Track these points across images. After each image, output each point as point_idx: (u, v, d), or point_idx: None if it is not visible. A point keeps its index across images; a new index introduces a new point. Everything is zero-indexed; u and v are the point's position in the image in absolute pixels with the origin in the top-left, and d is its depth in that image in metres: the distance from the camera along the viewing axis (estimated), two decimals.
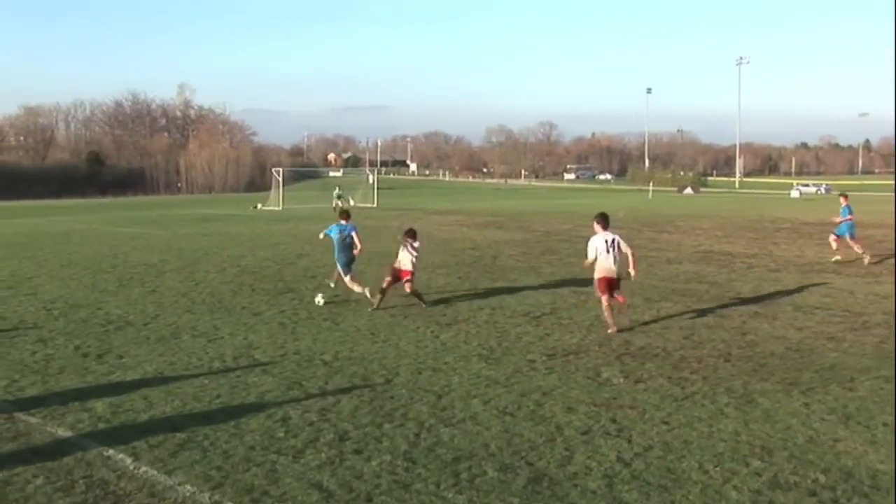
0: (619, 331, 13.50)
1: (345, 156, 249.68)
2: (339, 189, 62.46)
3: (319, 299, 16.30)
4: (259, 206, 64.01)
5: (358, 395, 9.94)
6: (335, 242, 17.22)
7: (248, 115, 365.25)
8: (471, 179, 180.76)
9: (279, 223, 42.49)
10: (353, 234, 17.33)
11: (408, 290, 16.06)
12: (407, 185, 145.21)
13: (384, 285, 16.00)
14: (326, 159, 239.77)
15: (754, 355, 12.10)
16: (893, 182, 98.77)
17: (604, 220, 13.94)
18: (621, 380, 10.68)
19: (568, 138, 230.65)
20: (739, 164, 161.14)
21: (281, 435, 8.53)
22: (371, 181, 76.24)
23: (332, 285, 17.59)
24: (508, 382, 10.55)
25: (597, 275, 13.83)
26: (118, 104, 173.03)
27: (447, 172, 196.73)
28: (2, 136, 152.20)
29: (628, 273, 13.98)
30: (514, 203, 69.23)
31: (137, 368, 11.29)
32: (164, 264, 23.44)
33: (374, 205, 63.41)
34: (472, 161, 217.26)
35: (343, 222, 17.53)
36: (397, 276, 16.03)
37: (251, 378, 10.76)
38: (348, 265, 17.18)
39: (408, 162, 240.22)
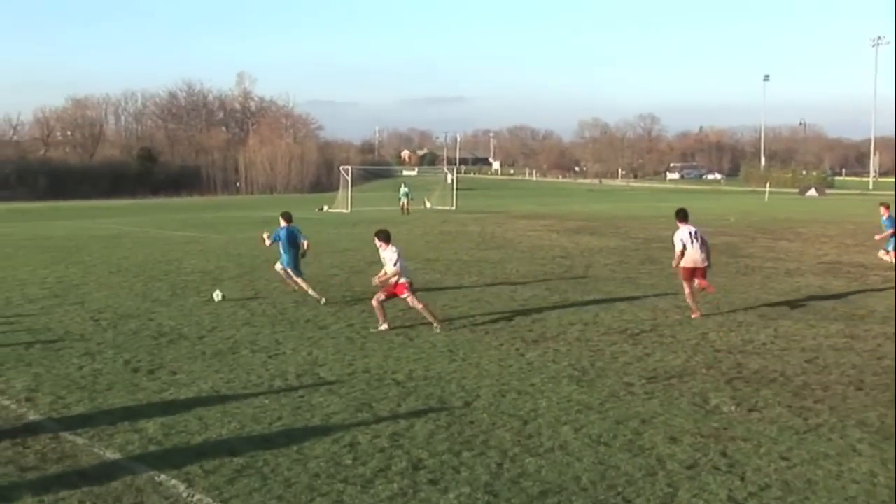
0: (703, 315, 16.12)
1: (420, 153, 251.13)
2: (406, 187, 60.95)
3: (217, 295, 18.52)
4: (325, 208, 64.82)
5: (434, 420, 9.95)
6: (283, 245, 18.82)
7: (314, 108, 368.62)
8: (561, 179, 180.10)
9: (347, 227, 42.94)
10: (300, 235, 19.25)
11: (411, 304, 15.35)
12: (489, 185, 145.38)
13: (382, 298, 15.42)
14: (400, 156, 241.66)
15: (892, 384, 11.73)
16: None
17: (684, 215, 16.65)
18: (733, 408, 10.47)
19: (672, 133, 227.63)
20: (874, 161, 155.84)
21: (348, 462, 8.58)
22: (449, 181, 76.50)
23: (322, 301, 18.23)
24: (603, 408, 10.44)
25: (683, 264, 16.50)
26: (172, 95, 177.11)
27: (534, 171, 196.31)
28: (48, 130, 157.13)
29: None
30: (610, 206, 68.67)
31: (192, 386, 11.51)
32: (220, 272, 23.89)
33: (453, 207, 63.63)
34: (562, 159, 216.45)
35: (286, 224, 19.19)
36: (392, 291, 15.42)
37: (316, 398, 10.87)
38: (297, 266, 18.97)
39: (490, 159, 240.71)
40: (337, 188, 79.10)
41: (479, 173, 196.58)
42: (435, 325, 15.19)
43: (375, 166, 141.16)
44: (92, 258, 27.80)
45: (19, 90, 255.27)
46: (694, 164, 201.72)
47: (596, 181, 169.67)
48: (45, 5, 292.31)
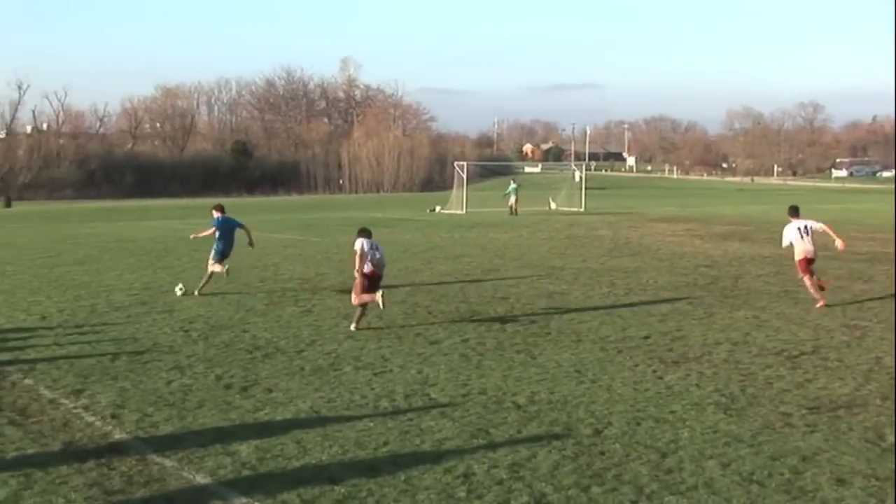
0: (828, 306, 18.85)
1: (545, 147, 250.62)
2: (515, 183, 59.69)
3: (178, 289, 20.87)
4: (437, 208, 65.21)
5: (559, 449, 9.90)
6: (219, 235, 22.18)
7: (425, 96, 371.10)
8: (705, 177, 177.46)
9: (462, 230, 43.13)
10: (239, 226, 22.95)
11: (379, 300, 16.70)
12: (623, 183, 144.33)
13: (362, 300, 16.86)
14: (521, 151, 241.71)
15: None
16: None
17: (795, 211, 20.23)
18: None
19: (838, 124, 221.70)
20: None
21: (462, 494, 8.60)
22: (578, 179, 76.16)
23: (194, 292, 21.25)
24: (755, 441, 10.22)
25: (797, 257, 19.65)
26: (269, 83, 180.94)
27: (675, 168, 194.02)
28: (136, 122, 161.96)
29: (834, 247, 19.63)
30: (764, 208, 67.27)
31: (289, 405, 11.72)
32: (322, 279, 24.28)
33: (581, 208, 63.33)
34: (707, 154, 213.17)
35: (218, 216, 22.77)
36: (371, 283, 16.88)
37: (426, 422, 10.94)
38: (225, 254, 22.06)
39: (624, 154, 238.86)
40: (450, 187, 79.56)
41: (612, 170, 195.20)
42: (352, 325, 16.88)
43: (494, 162, 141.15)
44: (181, 262, 28.59)
45: (106, 79, 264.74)
46: (866, 159, 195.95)
47: (747, 179, 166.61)
48: None
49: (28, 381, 12.96)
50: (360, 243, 16.94)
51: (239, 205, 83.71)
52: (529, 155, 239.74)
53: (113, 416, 11.21)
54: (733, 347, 15.26)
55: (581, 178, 74.43)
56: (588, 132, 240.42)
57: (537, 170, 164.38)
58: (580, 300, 20.43)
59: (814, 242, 19.76)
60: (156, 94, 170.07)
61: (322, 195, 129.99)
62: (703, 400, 11.96)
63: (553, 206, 66.05)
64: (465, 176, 66.76)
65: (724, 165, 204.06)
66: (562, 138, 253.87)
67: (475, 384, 12.75)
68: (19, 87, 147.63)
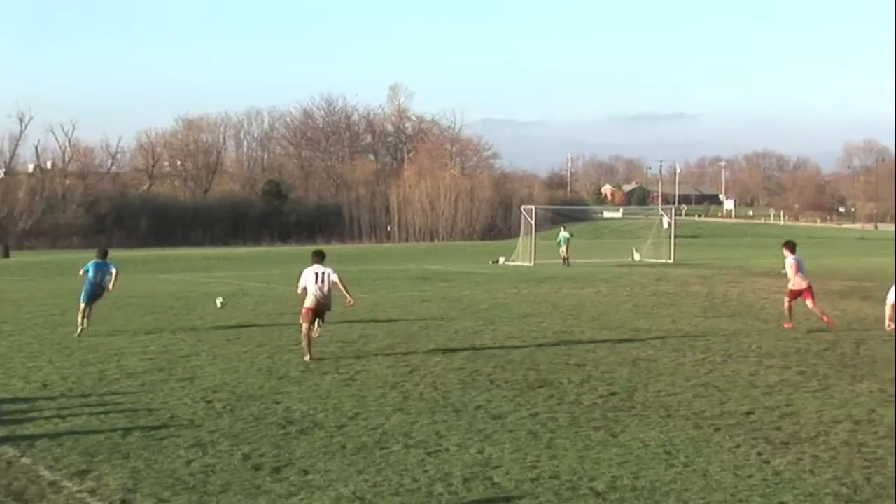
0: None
1: (627, 188, 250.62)
2: (567, 231, 61.80)
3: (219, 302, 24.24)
4: (501, 260, 65.21)
5: None
6: (90, 280, 26.03)
7: (488, 129, 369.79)
8: (819, 224, 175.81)
9: (531, 285, 43.07)
10: (112, 271, 26.63)
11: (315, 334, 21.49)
12: (720, 230, 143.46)
13: (305, 331, 21.48)
14: (600, 192, 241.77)
15: None
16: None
17: (791, 246, 26.56)
18: None
19: None
20: None
21: None
22: (665, 225, 75.87)
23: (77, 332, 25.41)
24: None
25: (790, 286, 25.73)
26: (307, 115, 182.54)
27: (781, 213, 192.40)
28: (154, 159, 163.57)
29: None
30: (889, 260, 66.38)
31: (328, 490, 11.71)
32: (366, 341, 24.33)
33: (670, 259, 63.03)
34: (820, 196, 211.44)
35: (101, 261, 26.93)
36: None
37: None
38: (92, 300, 26.23)
39: (721, 196, 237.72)
40: (516, 234, 79.70)
41: (707, 215, 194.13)
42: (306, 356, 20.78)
43: (567, 206, 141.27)
44: (205, 322, 28.81)
45: (120, 110, 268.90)
46: None
47: (869, 226, 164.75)
48: (151, 9, 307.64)
49: (26, 461, 13.06)
50: (304, 279, 21.57)
51: (272, 255, 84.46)
52: (609, 197, 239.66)
53: (123, 502, 11.25)
54: (855, 427, 15.02)
55: (670, 224, 74.13)
56: (678, 170, 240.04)
57: (618, 214, 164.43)
58: (669, 368, 20.28)
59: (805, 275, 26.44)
60: (176, 126, 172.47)
61: (367, 244, 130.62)
62: (820, 490, 11.78)
63: (637, 256, 65.81)
64: (533, 222, 66.66)
65: (842, 210, 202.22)
66: (647, 178, 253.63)
67: (546, 467, 12.67)
68: (20, 120, 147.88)
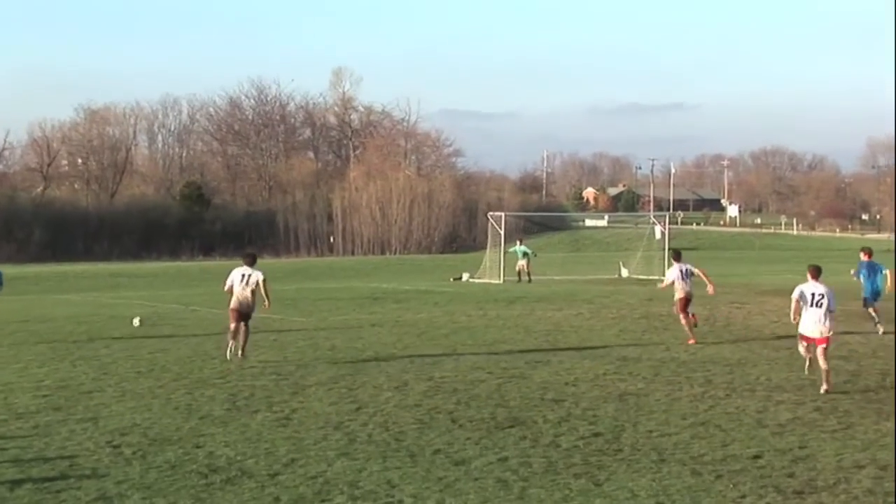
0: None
1: (613, 191, 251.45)
2: (522, 244, 63.04)
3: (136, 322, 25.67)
4: (465, 276, 65.25)
5: None
6: None
7: (449, 122, 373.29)
8: (838, 233, 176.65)
9: (500, 306, 43.12)
10: None
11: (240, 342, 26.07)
12: (722, 241, 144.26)
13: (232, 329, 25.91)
14: (581, 197, 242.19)
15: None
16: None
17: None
18: None
19: None
20: None
21: None
22: (659, 235, 76.04)
23: None
24: None
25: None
26: (234, 104, 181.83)
27: (794, 220, 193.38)
28: (49, 157, 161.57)
29: None
30: None
31: None
32: (304, 373, 24.26)
33: (664, 276, 63.19)
34: (840, 201, 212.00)
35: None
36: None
37: None
38: None
39: (723, 201, 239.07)
40: (482, 246, 79.82)
41: (707, 224, 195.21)
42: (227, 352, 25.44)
43: (542, 213, 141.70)
44: (111, 351, 28.65)
45: (7, 97, 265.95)
46: None
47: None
48: None
49: None
50: (231, 278, 26.31)
51: (192, 271, 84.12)
52: (592, 202, 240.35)
53: None
54: (880, 473, 15.12)
55: (663, 234, 74.34)
56: (673, 171, 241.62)
57: (603, 223, 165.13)
58: (663, 404, 20.35)
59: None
60: (77, 118, 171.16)
61: (306, 258, 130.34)
62: None
63: (624, 272, 66.06)
64: (502, 231, 66.80)
65: (864, 217, 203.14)
66: (636, 179, 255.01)
67: None
68: None
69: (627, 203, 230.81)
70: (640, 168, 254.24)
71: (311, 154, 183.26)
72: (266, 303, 26.41)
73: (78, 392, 21.85)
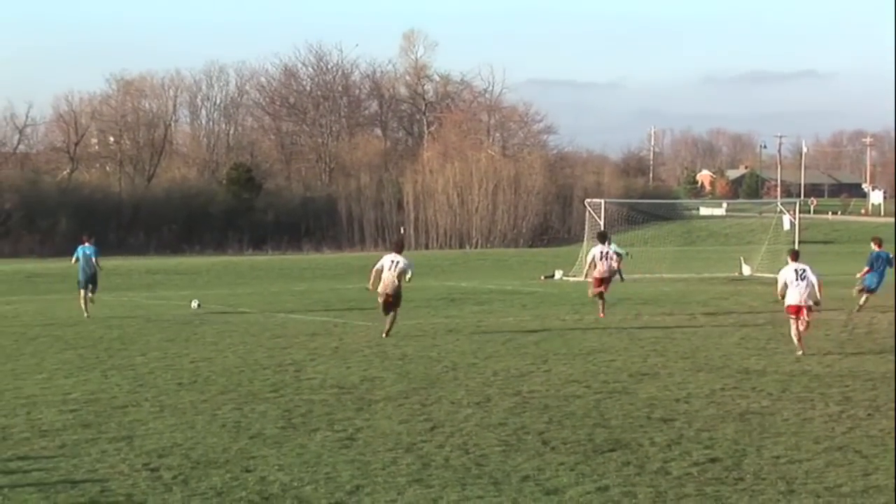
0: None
1: (732, 174, 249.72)
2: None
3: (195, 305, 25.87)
4: (558, 274, 65.16)
5: None
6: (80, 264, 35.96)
7: (540, 93, 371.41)
8: None
9: (594, 309, 42.96)
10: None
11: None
12: (863, 234, 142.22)
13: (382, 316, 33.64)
14: (695, 181, 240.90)
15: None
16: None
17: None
18: None
19: None
20: None
21: None
22: (788, 226, 75.45)
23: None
24: None
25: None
26: (289, 73, 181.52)
27: None
28: (77, 134, 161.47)
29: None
30: None
31: None
32: (371, 386, 24.32)
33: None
34: None
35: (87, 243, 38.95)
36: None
37: None
38: (88, 283, 40.38)
39: (865, 186, 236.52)
40: (578, 239, 79.45)
41: (845, 212, 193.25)
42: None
43: (650, 200, 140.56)
44: (147, 360, 28.90)
45: (30, 66, 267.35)
46: None
47: None
48: None
49: None
50: (381, 263, 33.65)
51: (240, 267, 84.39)
52: (707, 188, 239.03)
53: None
54: None
55: (793, 224, 73.76)
56: (805, 150, 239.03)
57: (721, 212, 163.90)
58: (793, 425, 20.22)
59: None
60: (108, 89, 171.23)
61: (372, 251, 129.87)
62: None
63: (747, 270, 65.65)
64: (602, 221, 66.53)
65: None
66: (761, 161, 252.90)
67: None
68: None
69: (750, 188, 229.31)
70: (764, 147, 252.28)
71: (378, 131, 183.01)
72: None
73: (110, 407, 22.03)
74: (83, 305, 41.03)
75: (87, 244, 42.91)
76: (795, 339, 30.34)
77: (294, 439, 18.94)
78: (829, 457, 17.56)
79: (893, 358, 17.49)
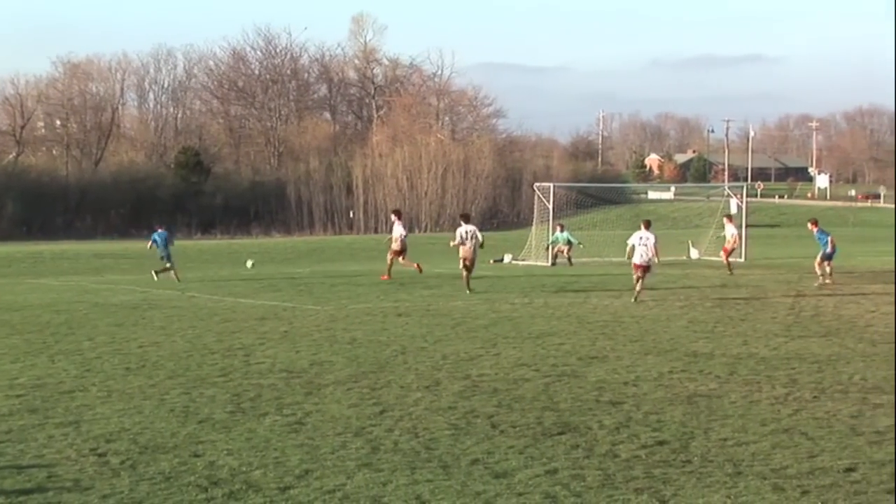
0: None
1: (680, 158, 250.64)
2: (564, 231, 64.29)
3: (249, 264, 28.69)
4: (507, 257, 65.20)
5: None
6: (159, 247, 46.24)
7: (489, 77, 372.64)
8: None
9: (548, 293, 43.13)
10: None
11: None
12: (809, 217, 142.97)
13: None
14: (643, 165, 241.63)
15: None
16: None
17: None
18: None
19: None
20: None
21: None
22: (735, 210, 75.72)
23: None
24: None
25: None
26: (237, 56, 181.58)
27: None
28: (24, 117, 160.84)
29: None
30: None
31: None
32: (321, 370, 24.32)
33: (741, 257, 62.94)
34: None
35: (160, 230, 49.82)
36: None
37: None
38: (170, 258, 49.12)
39: (811, 170, 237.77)
40: (527, 222, 79.61)
41: (792, 196, 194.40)
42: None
43: (598, 184, 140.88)
44: (95, 345, 28.77)
45: None
46: None
47: None
48: None
49: None
50: (457, 235, 39.95)
51: (188, 251, 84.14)
52: (656, 172, 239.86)
53: None
54: None
55: (740, 208, 74.11)
56: (752, 134, 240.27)
57: (669, 195, 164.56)
58: (739, 407, 20.32)
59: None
60: (55, 72, 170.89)
61: (322, 236, 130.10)
62: None
63: (694, 254, 65.89)
64: (551, 205, 66.54)
65: None
66: (709, 145, 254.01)
67: None
68: None
69: (698, 172, 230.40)
70: (712, 131, 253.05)
71: (327, 115, 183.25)
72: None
73: (57, 392, 21.93)
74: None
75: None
76: (637, 288, 39.66)
77: (243, 424, 18.93)
78: (775, 439, 17.67)
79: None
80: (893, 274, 40.02)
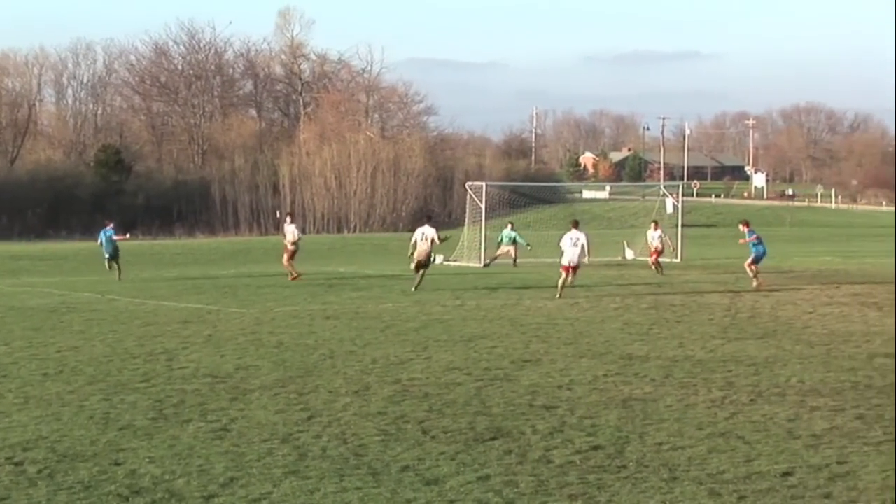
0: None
1: (615, 156, 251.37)
2: (512, 229, 64.32)
3: (440, 260, 30.45)
4: (438, 259, 64.85)
5: None
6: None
7: (420, 73, 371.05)
8: (885, 206, 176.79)
9: (480, 294, 43.21)
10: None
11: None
12: (746, 216, 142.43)
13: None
14: (577, 164, 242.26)
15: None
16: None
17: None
18: None
19: None
20: None
21: None
22: (671, 210, 76.01)
23: None
24: None
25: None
26: (159, 51, 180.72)
27: (833, 191, 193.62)
28: None
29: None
30: None
31: None
32: (246, 375, 24.25)
33: (677, 259, 63.22)
34: (885, 168, 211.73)
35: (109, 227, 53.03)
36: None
37: None
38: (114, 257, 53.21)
39: (748, 169, 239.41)
40: (459, 222, 79.59)
41: (728, 195, 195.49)
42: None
43: (532, 183, 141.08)
44: (11, 349, 28.60)
45: None
46: None
47: None
48: None
49: None
50: (415, 235, 40.37)
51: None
52: (590, 170, 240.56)
53: None
54: None
55: (676, 208, 74.42)
56: (688, 132, 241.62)
57: (604, 195, 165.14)
58: (676, 411, 20.41)
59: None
60: None
61: (247, 236, 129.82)
62: None
63: (629, 254, 66.17)
64: (483, 205, 66.61)
65: None
66: (644, 143, 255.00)
67: None
68: None
69: (633, 171, 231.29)
70: (648, 129, 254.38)
71: (252, 112, 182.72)
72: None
73: None
74: None
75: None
76: (560, 288, 41.25)
77: (165, 431, 18.83)
78: (711, 443, 17.74)
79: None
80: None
